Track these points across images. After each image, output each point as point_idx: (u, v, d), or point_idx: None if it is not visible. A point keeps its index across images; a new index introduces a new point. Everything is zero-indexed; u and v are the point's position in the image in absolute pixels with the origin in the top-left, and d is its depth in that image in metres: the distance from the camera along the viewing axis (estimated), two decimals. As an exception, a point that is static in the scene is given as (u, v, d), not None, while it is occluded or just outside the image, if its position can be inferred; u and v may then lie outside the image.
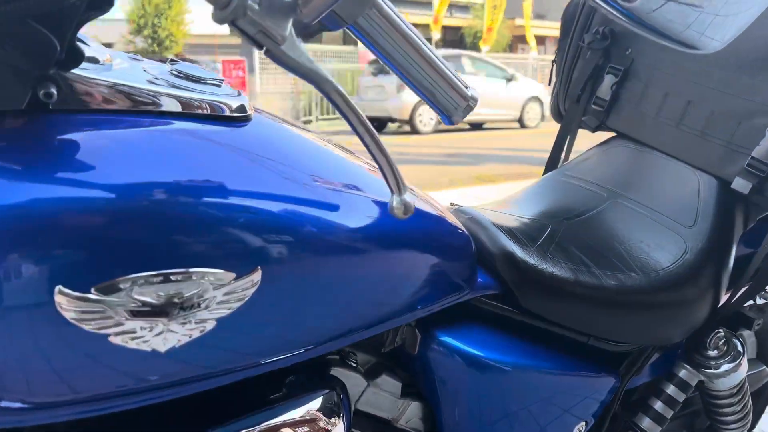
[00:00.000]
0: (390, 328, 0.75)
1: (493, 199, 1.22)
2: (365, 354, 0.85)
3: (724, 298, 1.02)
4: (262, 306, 0.56)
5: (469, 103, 0.64)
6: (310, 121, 12.75)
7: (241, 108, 0.64)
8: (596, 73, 1.23)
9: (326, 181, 0.65)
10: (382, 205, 0.70)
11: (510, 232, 0.93)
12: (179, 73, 0.63)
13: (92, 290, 0.46)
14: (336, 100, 0.52)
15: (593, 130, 1.27)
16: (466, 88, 0.64)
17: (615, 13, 1.13)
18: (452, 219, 0.85)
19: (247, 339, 0.57)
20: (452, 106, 0.63)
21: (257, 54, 13.32)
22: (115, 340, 0.48)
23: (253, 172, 0.59)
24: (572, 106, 1.29)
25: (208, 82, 0.64)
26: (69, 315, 0.46)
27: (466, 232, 0.86)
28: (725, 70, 1.04)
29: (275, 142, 0.67)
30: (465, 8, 23.98)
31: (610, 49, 1.21)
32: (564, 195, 1.13)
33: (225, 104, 0.62)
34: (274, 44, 0.48)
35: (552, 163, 1.35)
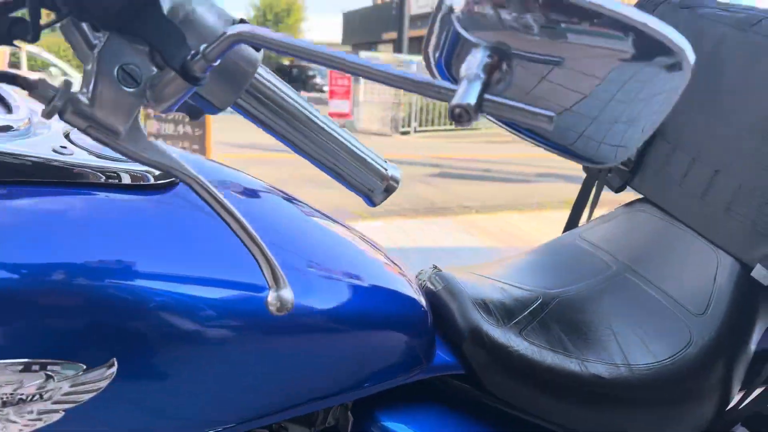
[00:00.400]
0: (316, 409, 0.71)
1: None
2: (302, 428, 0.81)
3: (736, 397, 0.89)
4: (128, 396, 0.54)
5: (390, 182, 0.59)
6: (408, 132, 12.81)
7: (164, 174, 0.62)
8: None
9: (230, 255, 0.62)
10: (305, 279, 0.66)
11: (485, 305, 0.86)
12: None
13: None
14: (198, 191, 0.48)
15: (616, 191, 1.16)
16: (385, 167, 0.59)
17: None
18: (410, 289, 0.80)
19: (116, 427, 0.55)
20: (367, 188, 0.59)
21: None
22: None
23: (143, 248, 0.57)
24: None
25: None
26: None
27: (423, 305, 0.80)
28: (760, 138, 0.91)
29: (196, 213, 0.65)
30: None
31: None
32: (570, 261, 1.04)
33: (148, 172, 0.61)
34: (109, 138, 0.45)
35: (571, 223, 1.25)
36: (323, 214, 0.83)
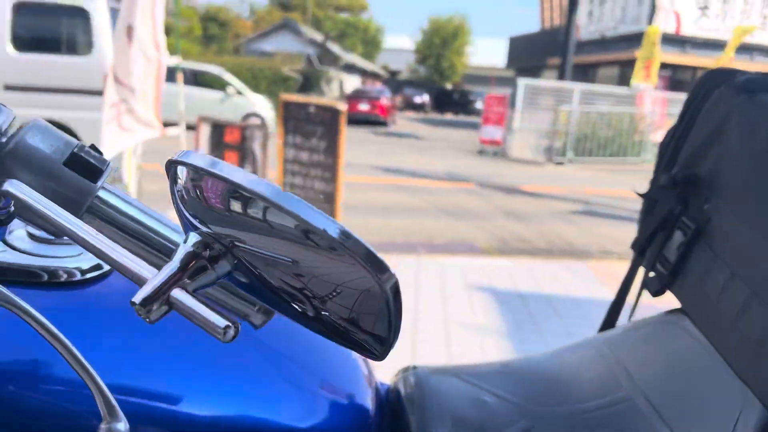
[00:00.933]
0: None
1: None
2: None
3: None
4: None
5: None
6: (562, 163, 12.30)
7: (95, 267, 0.61)
8: (668, 222, 0.92)
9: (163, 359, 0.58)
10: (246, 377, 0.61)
11: (454, 419, 0.73)
12: (31, 235, 0.62)
13: None
14: (30, 323, 0.45)
15: (654, 295, 0.95)
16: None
17: None
18: (362, 396, 0.70)
19: None
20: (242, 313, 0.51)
21: (521, 92, 13.29)
22: None
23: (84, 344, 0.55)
24: (636, 260, 0.98)
25: (60, 242, 0.62)
26: None
27: (370, 415, 0.70)
28: None
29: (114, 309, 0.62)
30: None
31: (689, 195, 0.89)
32: (581, 372, 0.86)
33: (76, 268, 0.60)
34: None
35: (608, 322, 1.05)
36: None
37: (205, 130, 4.74)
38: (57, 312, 0.57)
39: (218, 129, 4.74)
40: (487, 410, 0.77)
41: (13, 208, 0.45)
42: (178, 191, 0.37)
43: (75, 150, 0.44)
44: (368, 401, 0.73)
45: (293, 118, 4.66)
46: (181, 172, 0.36)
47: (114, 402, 0.47)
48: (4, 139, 0.43)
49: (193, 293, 0.37)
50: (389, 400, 0.79)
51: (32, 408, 0.53)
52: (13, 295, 0.46)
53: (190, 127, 4.85)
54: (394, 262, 4.50)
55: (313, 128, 4.60)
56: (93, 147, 0.46)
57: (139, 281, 0.37)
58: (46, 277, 0.59)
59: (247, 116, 13.37)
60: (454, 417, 0.74)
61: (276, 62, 20.55)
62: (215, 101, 13.09)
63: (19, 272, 0.58)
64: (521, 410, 0.77)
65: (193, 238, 0.38)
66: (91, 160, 0.44)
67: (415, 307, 3.59)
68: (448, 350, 3.04)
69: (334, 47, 28.13)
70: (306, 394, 0.67)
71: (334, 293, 0.37)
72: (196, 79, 13.31)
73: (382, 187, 8.28)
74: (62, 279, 0.59)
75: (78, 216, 0.44)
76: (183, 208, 0.37)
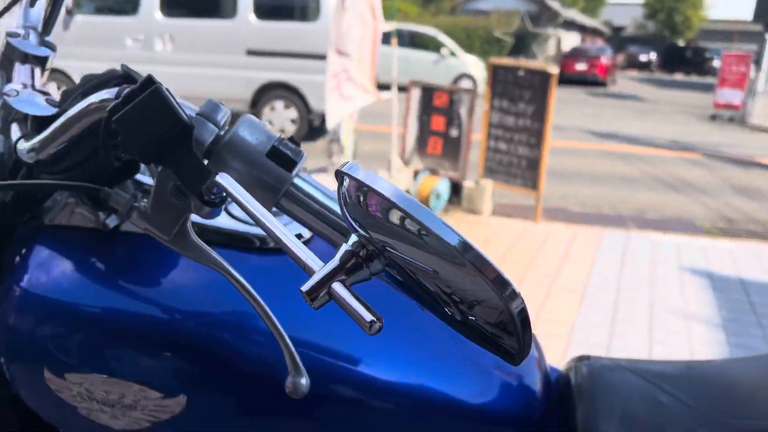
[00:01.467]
0: None
1: None
2: None
3: None
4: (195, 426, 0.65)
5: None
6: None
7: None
8: None
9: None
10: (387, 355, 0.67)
11: (628, 418, 0.71)
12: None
13: (65, 375, 0.64)
14: (235, 285, 0.55)
15: None
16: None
17: None
18: (533, 380, 0.72)
19: None
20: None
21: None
22: (81, 411, 0.66)
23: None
24: None
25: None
26: (52, 386, 0.65)
27: (538, 400, 0.72)
28: None
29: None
30: None
31: None
32: None
33: None
34: (160, 238, 0.56)
35: None
36: None
37: (415, 94, 4.90)
38: (261, 273, 0.67)
39: (428, 92, 4.86)
40: (661, 411, 0.73)
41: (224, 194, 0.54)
42: (342, 195, 0.42)
43: (275, 143, 0.51)
44: (538, 385, 0.74)
45: (501, 82, 4.61)
46: (346, 180, 0.42)
47: (298, 358, 0.55)
48: (222, 132, 0.52)
49: (350, 288, 0.42)
50: (559, 387, 0.79)
51: (238, 354, 0.63)
52: (220, 258, 0.56)
53: (402, 89, 5.03)
54: (597, 235, 4.30)
55: (521, 92, 4.51)
56: (291, 139, 0.53)
57: (308, 271, 0.44)
58: (257, 243, 0.69)
59: (459, 77, 13.46)
60: (624, 414, 0.71)
61: (491, 21, 20.23)
62: (429, 63, 13.35)
63: (234, 238, 0.68)
64: (701, 418, 0.72)
65: (353, 238, 0.43)
66: (288, 153, 0.50)
67: (618, 285, 3.41)
68: (650, 335, 2.86)
69: (553, 3, 26.79)
70: (482, 371, 0.70)
71: (464, 301, 0.40)
72: (412, 40, 13.66)
73: (593, 153, 7.85)
74: (269, 246, 0.68)
75: (276, 199, 0.51)
76: (346, 211, 0.43)
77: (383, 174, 4.77)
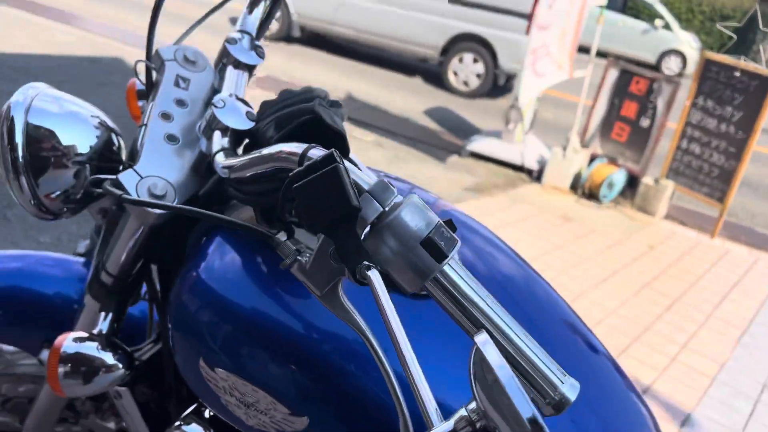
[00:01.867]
0: None
1: None
2: None
3: None
4: None
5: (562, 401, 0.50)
6: None
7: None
8: None
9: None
10: None
11: None
12: None
13: (215, 369, 0.73)
14: (369, 348, 0.60)
15: None
16: (561, 379, 0.51)
17: None
18: None
19: None
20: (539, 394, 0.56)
21: None
22: (222, 401, 0.75)
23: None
24: None
25: None
26: (203, 374, 0.74)
27: None
28: None
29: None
30: None
31: None
32: None
33: None
34: (313, 292, 0.63)
35: None
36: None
37: (611, 75, 4.62)
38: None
39: (626, 76, 4.55)
40: None
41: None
42: (474, 367, 0.47)
43: (430, 233, 0.51)
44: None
45: (712, 80, 4.20)
46: (480, 358, 0.46)
47: (410, 425, 0.56)
48: (386, 209, 0.53)
49: None
50: None
51: (362, 392, 0.67)
52: (362, 323, 0.60)
53: (601, 55, 4.71)
54: (782, 268, 3.88)
55: (732, 95, 4.09)
56: (449, 222, 0.55)
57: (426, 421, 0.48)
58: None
59: (667, 53, 12.24)
60: None
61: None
62: (637, 32, 12.35)
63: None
64: None
65: (472, 405, 0.47)
66: (442, 244, 0.51)
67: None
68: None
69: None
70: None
71: None
72: (624, 3, 12.66)
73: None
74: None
75: (420, 286, 0.53)
76: (474, 381, 0.47)
77: (557, 151, 4.61)
